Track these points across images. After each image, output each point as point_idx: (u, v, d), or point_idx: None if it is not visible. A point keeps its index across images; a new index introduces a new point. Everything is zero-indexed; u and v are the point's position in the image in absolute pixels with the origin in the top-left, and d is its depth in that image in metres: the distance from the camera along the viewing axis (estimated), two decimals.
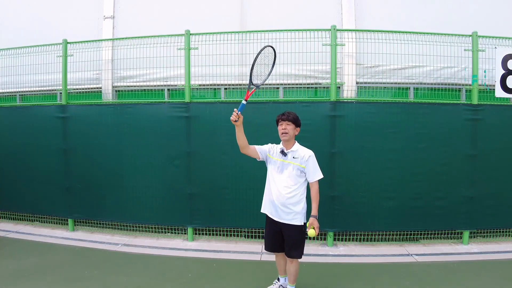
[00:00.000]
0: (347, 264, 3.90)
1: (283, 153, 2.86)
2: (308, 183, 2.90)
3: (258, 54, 2.76)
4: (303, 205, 2.85)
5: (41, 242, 4.56)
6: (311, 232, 2.69)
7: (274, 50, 2.83)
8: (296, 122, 2.88)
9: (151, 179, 4.68)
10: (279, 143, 2.96)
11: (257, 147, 2.94)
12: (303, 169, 2.83)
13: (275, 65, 2.89)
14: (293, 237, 2.84)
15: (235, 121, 2.67)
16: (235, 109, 2.66)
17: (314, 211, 2.79)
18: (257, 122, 4.30)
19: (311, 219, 2.76)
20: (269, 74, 2.89)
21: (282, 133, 2.85)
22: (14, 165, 5.18)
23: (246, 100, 2.69)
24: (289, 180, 2.81)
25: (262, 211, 3.00)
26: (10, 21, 6.04)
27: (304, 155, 2.84)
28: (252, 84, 2.79)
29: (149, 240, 4.62)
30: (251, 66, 2.72)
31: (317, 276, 3.56)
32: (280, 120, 2.89)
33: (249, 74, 2.74)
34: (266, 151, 2.94)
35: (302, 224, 2.83)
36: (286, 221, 2.82)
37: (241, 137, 2.82)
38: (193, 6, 5.53)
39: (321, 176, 2.87)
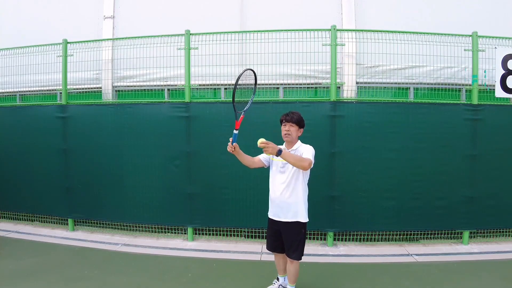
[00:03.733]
0: (347, 264, 3.90)
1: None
2: (308, 185, 2.87)
3: (237, 80, 2.62)
4: (301, 204, 2.82)
5: (41, 242, 4.56)
6: (260, 139, 2.53)
7: (254, 72, 2.76)
8: (300, 124, 2.85)
9: (151, 179, 4.68)
10: (281, 143, 2.93)
11: (260, 156, 2.97)
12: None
13: (256, 85, 2.84)
14: (291, 236, 2.82)
15: (232, 151, 2.70)
16: (230, 139, 2.67)
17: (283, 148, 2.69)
18: (257, 122, 4.30)
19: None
20: (253, 95, 2.86)
21: (285, 134, 2.84)
22: (14, 165, 5.18)
23: (237, 130, 2.65)
24: (289, 178, 2.79)
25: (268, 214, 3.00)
26: (10, 21, 6.05)
27: (303, 150, 2.80)
28: (240, 111, 2.71)
29: (149, 240, 4.62)
30: (232, 95, 2.60)
31: (317, 276, 3.56)
32: (284, 120, 2.86)
33: (232, 104, 2.64)
34: (269, 155, 2.94)
35: (299, 221, 2.79)
36: (283, 219, 2.82)
37: (244, 160, 2.87)
38: (193, 6, 5.53)
39: (311, 159, 2.70)
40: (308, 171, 2.85)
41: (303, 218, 2.82)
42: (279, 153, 2.56)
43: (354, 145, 4.35)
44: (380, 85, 4.85)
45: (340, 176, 4.36)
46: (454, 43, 4.46)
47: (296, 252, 2.84)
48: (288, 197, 2.79)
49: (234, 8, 5.45)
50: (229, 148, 2.69)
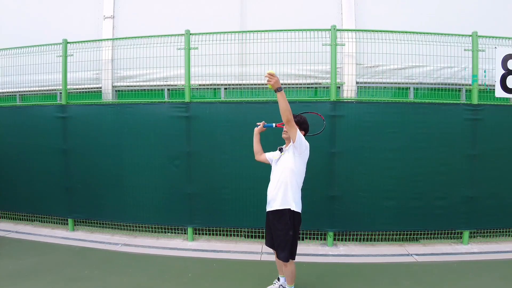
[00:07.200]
0: (347, 264, 3.90)
1: (280, 150, 2.99)
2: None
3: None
4: (290, 193, 2.79)
5: (41, 242, 4.56)
6: (271, 71, 2.57)
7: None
8: (300, 126, 2.91)
9: (151, 179, 4.68)
10: (283, 144, 3.04)
11: (267, 154, 3.15)
12: (294, 146, 2.79)
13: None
14: (278, 226, 2.81)
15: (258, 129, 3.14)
16: (264, 122, 3.12)
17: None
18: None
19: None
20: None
21: (283, 131, 2.96)
22: (14, 165, 5.18)
23: (275, 125, 3.09)
24: (282, 168, 2.86)
25: None
26: (10, 21, 6.04)
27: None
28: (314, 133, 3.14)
29: (149, 240, 4.62)
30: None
31: (317, 276, 3.56)
32: None
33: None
34: (273, 154, 3.08)
35: (287, 209, 2.77)
36: (270, 208, 2.87)
37: (256, 145, 3.20)
38: (193, 6, 5.52)
39: (294, 125, 2.73)
40: (304, 170, 2.89)
41: (292, 206, 2.79)
42: (278, 90, 2.63)
43: (354, 145, 4.35)
44: (380, 85, 4.85)
45: (340, 176, 4.36)
46: (454, 43, 4.46)
47: (284, 252, 2.80)
48: (281, 186, 2.82)
49: (234, 8, 5.44)
50: (258, 128, 3.14)
